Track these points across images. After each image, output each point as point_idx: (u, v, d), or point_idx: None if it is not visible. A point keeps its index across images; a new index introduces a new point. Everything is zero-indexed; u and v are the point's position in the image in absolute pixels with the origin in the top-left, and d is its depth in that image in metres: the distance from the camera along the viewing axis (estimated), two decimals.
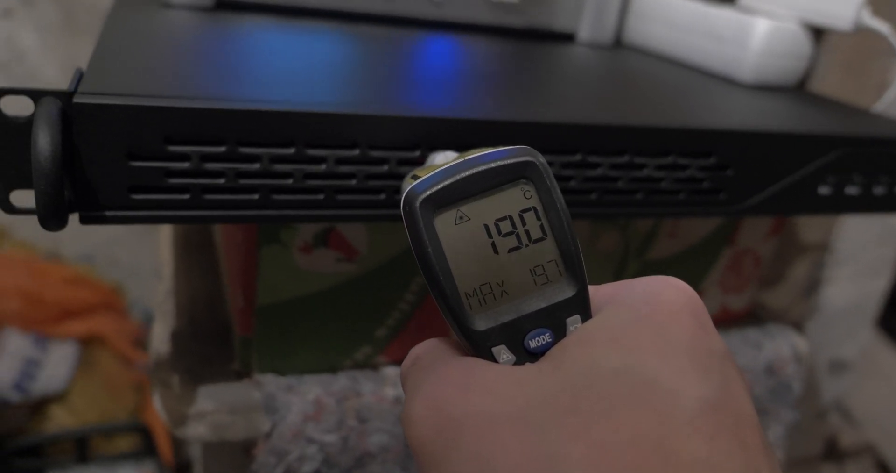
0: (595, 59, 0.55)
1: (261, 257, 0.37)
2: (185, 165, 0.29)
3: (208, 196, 0.30)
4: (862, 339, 0.90)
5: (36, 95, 0.28)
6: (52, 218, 0.27)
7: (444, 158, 0.31)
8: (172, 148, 0.29)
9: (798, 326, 0.82)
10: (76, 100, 0.27)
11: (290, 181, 0.31)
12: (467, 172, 0.22)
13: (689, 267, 0.50)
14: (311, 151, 0.31)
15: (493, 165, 0.22)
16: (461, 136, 0.33)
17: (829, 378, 0.90)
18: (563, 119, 0.34)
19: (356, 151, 0.31)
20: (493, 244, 0.22)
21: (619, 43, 0.63)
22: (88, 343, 0.95)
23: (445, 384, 0.21)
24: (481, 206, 0.22)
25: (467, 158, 0.23)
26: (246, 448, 0.42)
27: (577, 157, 0.35)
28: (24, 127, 0.28)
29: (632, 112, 0.39)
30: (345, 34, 0.48)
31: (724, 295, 0.53)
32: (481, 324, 0.22)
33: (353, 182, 0.32)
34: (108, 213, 0.29)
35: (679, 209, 0.39)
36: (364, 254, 0.40)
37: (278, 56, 0.39)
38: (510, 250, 0.23)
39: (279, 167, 0.31)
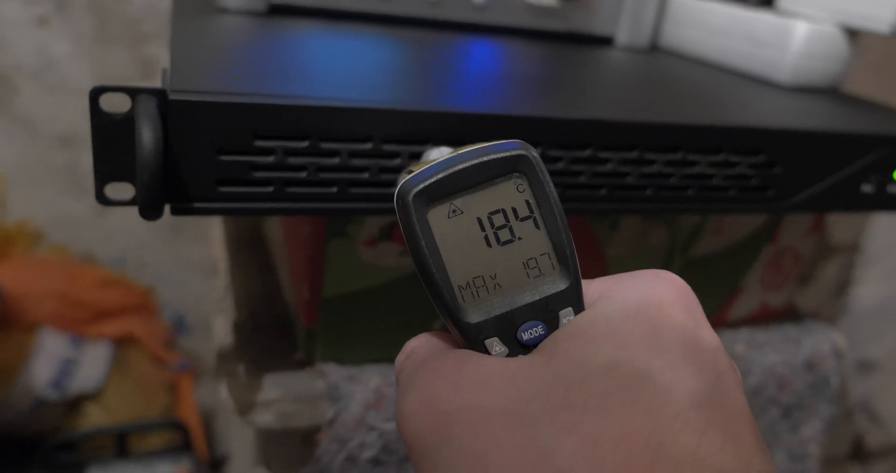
0: (634, 62, 0.56)
1: (328, 251, 0.39)
2: (270, 159, 0.31)
3: (290, 189, 0.32)
4: (890, 340, 0.90)
5: (133, 92, 0.29)
6: (151, 208, 0.29)
7: (438, 154, 0.31)
8: (259, 143, 0.31)
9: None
10: (172, 97, 0.29)
11: (366, 175, 0.33)
12: (460, 166, 0.22)
13: (732, 264, 0.52)
14: (387, 147, 0.32)
15: (485, 158, 0.22)
16: (523, 133, 0.34)
17: (857, 379, 0.91)
18: (623, 118, 0.36)
19: (428, 147, 0.33)
20: (486, 238, 0.23)
21: (655, 47, 0.64)
22: (122, 344, 0.97)
23: (438, 378, 0.21)
24: (474, 199, 0.22)
25: (461, 152, 0.23)
26: (305, 436, 0.43)
27: (635, 154, 0.37)
28: (122, 123, 0.30)
29: (680, 112, 0.40)
30: (395, 37, 0.49)
31: (764, 292, 0.54)
32: (474, 317, 0.23)
33: None
34: (197, 204, 0.31)
35: (728, 205, 0.40)
36: None
37: (339, 58, 0.41)
38: (503, 244, 0.23)
39: (356, 162, 0.32)
